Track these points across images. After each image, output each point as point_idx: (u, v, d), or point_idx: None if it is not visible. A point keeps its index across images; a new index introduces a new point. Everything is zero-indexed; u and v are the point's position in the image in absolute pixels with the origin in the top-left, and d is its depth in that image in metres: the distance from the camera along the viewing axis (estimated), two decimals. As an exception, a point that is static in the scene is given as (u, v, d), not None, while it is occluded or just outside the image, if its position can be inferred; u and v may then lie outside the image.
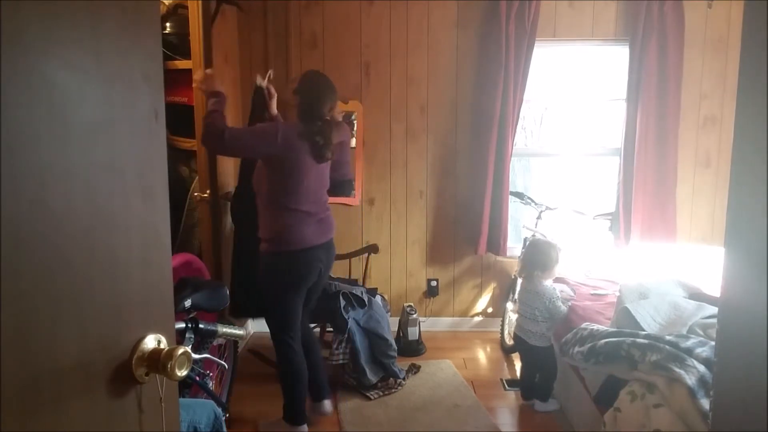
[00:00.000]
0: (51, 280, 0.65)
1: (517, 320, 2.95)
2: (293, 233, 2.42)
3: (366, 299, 3.20)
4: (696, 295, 2.48)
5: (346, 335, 3.01)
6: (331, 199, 3.84)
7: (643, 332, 2.15)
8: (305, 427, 2.61)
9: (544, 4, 3.59)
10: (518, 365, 3.42)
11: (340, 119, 3.44)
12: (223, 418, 1.83)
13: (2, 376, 0.57)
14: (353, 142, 3.83)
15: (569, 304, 2.80)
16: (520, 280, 3.66)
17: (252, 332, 3.88)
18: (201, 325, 2.03)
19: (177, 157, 2.91)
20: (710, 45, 3.69)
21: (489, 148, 3.65)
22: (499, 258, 3.91)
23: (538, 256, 2.80)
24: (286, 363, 2.54)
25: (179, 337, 1.97)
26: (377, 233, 3.90)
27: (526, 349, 2.85)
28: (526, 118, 4.22)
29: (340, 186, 3.72)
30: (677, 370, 1.86)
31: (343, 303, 3.07)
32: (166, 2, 2.88)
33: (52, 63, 0.65)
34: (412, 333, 3.57)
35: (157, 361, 0.80)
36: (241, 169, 2.99)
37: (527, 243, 3.03)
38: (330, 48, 3.73)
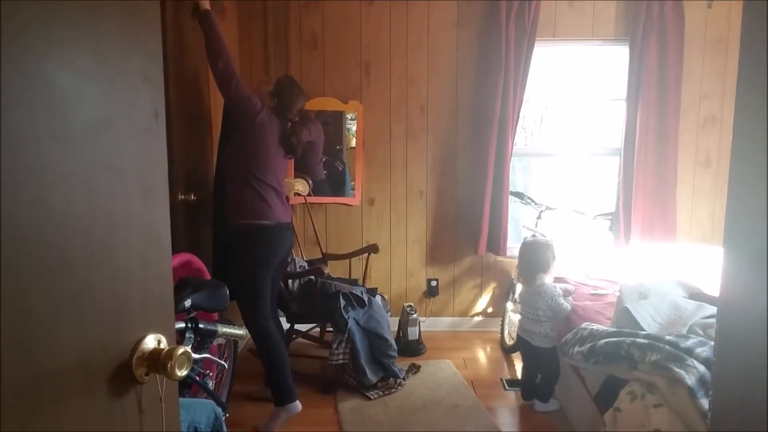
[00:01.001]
0: (51, 280, 0.65)
1: (519, 321, 2.94)
2: (266, 207, 2.63)
3: (366, 299, 3.20)
4: (696, 295, 2.48)
5: (346, 335, 3.01)
6: (331, 199, 3.87)
7: (643, 332, 2.15)
8: (298, 403, 2.68)
9: (544, 4, 3.59)
10: (518, 365, 3.42)
11: (313, 116, 3.57)
12: (223, 418, 1.83)
13: (2, 376, 0.57)
14: (353, 142, 3.84)
15: (570, 299, 2.79)
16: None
17: (252, 332, 3.88)
18: (201, 325, 2.03)
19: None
20: (710, 45, 3.70)
21: (489, 148, 3.66)
22: (499, 258, 3.91)
23: (535, 258, 2.79)
24: (264, 343, 2.64)
25: (179, 337, 1.97)
26: (377, 233, 3.91)
27: (528, 350, 2.85)
28: (526, 118, 4.22)
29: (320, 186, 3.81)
30: (677, 370, 1.86)
31: (343, 303, 3.07)
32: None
33: (52, 63, 0.65)
34: (412, 333, 3.57)
35: (157, 361, 0.80)
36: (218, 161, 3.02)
37: (522, 246, 3.02)
38: (330, 48, 3.73)
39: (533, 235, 3.56)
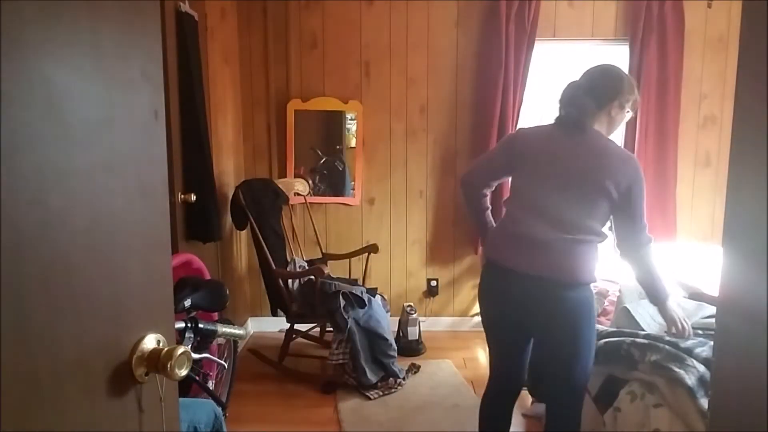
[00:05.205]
0: (51, 280, 0.65)
1: None
2: None
3: (366, 299, 3.20)
4: (696, 295, 2.48)
5: (346, 335, 3.01)
6: (331, 199, 3.87)
7: (643, 332, 2.15)
8: None
9: (544, 4, 3.59)
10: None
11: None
12: (223, 418, 1.83)
13: (2, 376, 0.57)
14: (353, 142, 3.84)
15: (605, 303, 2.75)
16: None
17: (252, 332, 3.88)
18: (201, 325, 2.02)
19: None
20: (710, 45, 3.70)
21: (489, 148, 3.65)
22: (499, 258, 3.90)
23: None
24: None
25: (179, 337, 1.97)
26: (377, 233, 3.90)
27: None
28: (526, 118, 4.21)
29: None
30: (677, 370, 1.86)
31: (342, 303, 3.07)
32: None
33: (52, 62, 0.65)
34: (412, 333, 3.57)
35: (157, 360, 0.80)
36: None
37: None
38: (330, 48, 3.73)
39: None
